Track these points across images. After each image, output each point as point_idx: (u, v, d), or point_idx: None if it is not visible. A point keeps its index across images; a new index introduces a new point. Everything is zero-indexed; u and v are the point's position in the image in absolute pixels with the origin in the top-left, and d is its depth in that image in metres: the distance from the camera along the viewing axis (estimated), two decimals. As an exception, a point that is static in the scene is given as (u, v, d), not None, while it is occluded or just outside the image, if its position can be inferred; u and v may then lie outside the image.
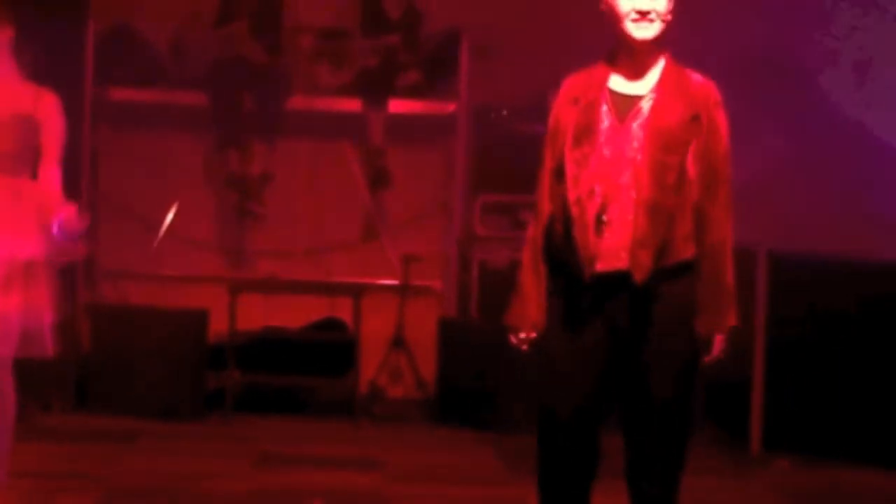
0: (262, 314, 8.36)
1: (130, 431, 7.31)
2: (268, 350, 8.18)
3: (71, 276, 7.47)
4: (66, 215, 4.88)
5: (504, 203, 8.35)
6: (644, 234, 4.07)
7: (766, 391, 7.29)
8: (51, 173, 5.08)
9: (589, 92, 4.19)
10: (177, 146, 8.72)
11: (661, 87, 4.15)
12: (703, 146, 4.14)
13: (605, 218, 4.09)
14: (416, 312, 8.46)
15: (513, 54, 8.48)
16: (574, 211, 4.10)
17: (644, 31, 4.13)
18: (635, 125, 4.13)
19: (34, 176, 5.08)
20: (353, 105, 8.57)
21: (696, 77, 4.22)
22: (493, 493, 6.42)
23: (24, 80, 5.12)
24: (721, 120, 4.18)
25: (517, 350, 4.30)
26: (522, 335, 4.26)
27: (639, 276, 4.07)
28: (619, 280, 4.09)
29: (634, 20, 4.12)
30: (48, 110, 5.08)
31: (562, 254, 4.17)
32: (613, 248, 4.09)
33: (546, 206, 4.22)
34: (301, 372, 8.14)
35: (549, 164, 4.23)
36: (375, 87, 8.51)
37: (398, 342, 8.39)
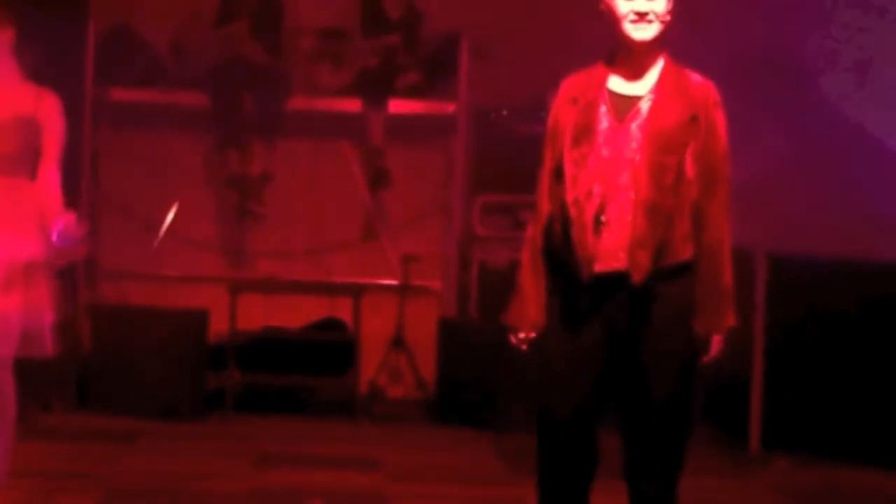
0: (262, 314, 8.37)
1: (131, 431, 7.32)
2: (268, 350, 8.19)
3: (71, 276, 7.51)
4: (64, 224, 4.90)
5: (504, 203, 8.36)
6: (642, 234, 4.07)
7: (765, 391, 7.30)
8: (50, 174, 5.09)
9: (588, 92, 4.20)
10: (177, 146, 8.73)
11: (659, 87, 4.16)
12: (702, 146, 4.14)
13: (603, 218, 4.10)
14: (415, 312, 8.47)
15: (512, 55, 8.48)
16: (572, 211, 4.11)
17: (642, 33, 4.14)
18: (634, 126, 4.13)
19: (34, 177, 5.09)
20: (353, 105, 8.58)
21: (695, 77, 4.22)
22: (492, 492, 6.43)
23: (25, 81, 5.12)
24: (720, 120, 4.19)
25: (516, 350, 4.30)
26: (522, 335, 4.27)
27: (637, 277, 4.08)
28: (617, 280, 4.10)
29: (633, 21, 4.13)
30: (49, 111, 5.09)
31: (561, 254, 4.17)
32: (612, 248, 4.09)
33: (545, 206, 4.23)
34: (301, 372, 8.15)
35: (548, 164, 4.24)
36: (375, 87, 8.52)
37: (398, 342, 8.40)
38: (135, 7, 8.67)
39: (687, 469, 4.27)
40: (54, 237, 4.93)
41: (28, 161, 5.08)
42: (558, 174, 4.18)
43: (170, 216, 8.32)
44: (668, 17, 4.16)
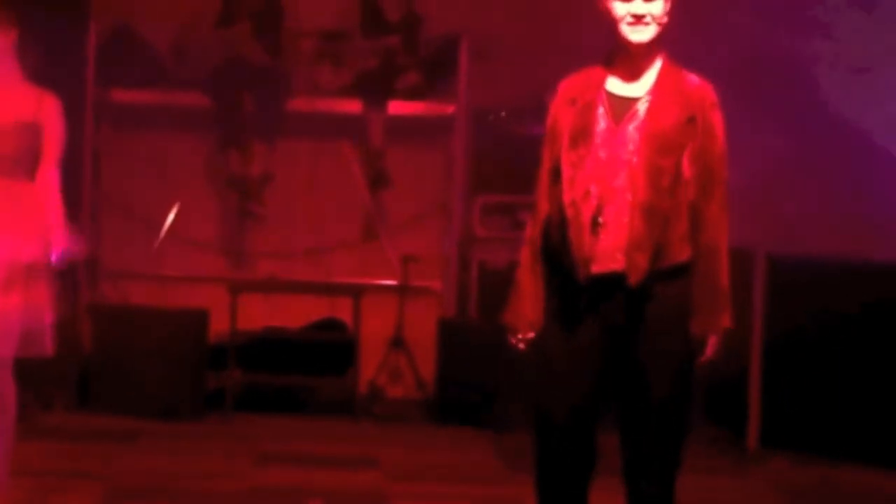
0: (262, 314, 8.38)
1: (131, 431, 7.34)
2: (268, 350, 8.21)
3: (72, 276, 7.52)
4: (64, 248, 4.97)
5: (503, 204, 8.37)
6: (639, 236, 4.08)
7: (763, 390, 7.32)
8: (50, 176, 5.11)
9: (586, 93, 4.20)
10: (178, 147, 8.75)
11: (657, 89, 4.17)
12: (699, 148, 4.15)
13: (600, 220, 4.11)
14: (415, 313, 8.48)
15: (512, 56, 8.50)
16: (569, 212, 4.12)
17: (640, 35, 4.15)
18: (631, 127, 4.14)
19: (34, 178, 5.11)
20: (353, 106, 8.60)
21: (693, 79, 4.22)
22: (492, 492, 6.43)
23: (27, 83, 5.14)
24: (717, 121, 4.19)
25: (515, 349, 4.31)
26: (520, 335, 4.28)
27: (634, 279, 4.09)
28: (614, 281, 4.11)
29: (630, 23, 4.14)
30: (49, 114, 5.11)
31: (558, 254, 4.18)
32: (609, 249, 4.10)
33: (544, 207, 4.24)
34: (301, 372, 8.16)
35: (547, 164, 4.25)
36: (375, 88, 8.54)
37: (398, 342, 8.42)
38: (135, 8, 8.69)
39: (686, 467, 4.28)
40: (54, 258, 5.00)
41: (28, 162, 5.09)
42: (556, 175, 4.19)
43: (170, 216, 8.34)
44: (665, 19, 4.16)
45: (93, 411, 7.74)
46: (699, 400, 7.05)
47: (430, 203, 8.84)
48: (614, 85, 4.21)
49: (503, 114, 8.61)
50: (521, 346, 4.29)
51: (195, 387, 7.87)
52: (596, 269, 4.11)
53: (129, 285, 8.69)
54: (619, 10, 4.14)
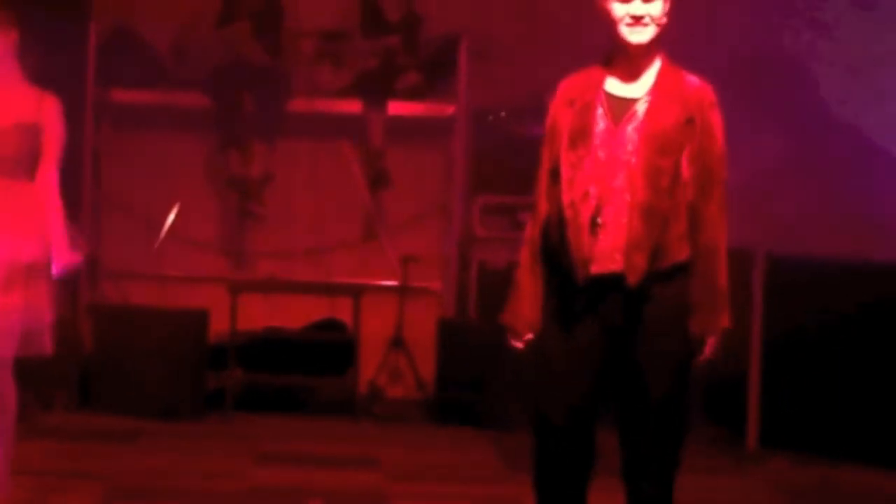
0: (262, 315, 8.39)
1: (131, 431, 7.34)
2: (268, 350, 8.22)
3: (73, 276, 7.51)
4: (68, 260, 5.00)
5: (503, 204, 8.38)
6: (638, 236, 4.08)
7: (762, 390, 7.33)
8: (50, 176, 5.11)
9: (585, 94, 4.21)
10: (178, 147, 8.76)
11: (656, 90, 4.17)
12: (698, 148, 4.15)
13: (599, 220, 4.11)
14: (415, 313, 8.49)
15: (511, 57, 8.51)
16: (568, 213, 4.12)
17: (638, 36, 4.15)
18: (630, 128, 4.14)
19: (34, 178, 5.12)
20: (353, 106, 8.61)
21: (692, 79, 4.22)
22: (492, 491, 6.43)
23: (27, 84, 5.14)
24: (716, 121, 4.19)
25: (514, 350, 4.32)
26: (519, 335, 4.29)
27: (632, 279, 4.09)
28: (613, 282, 4.11)
29: (629, 25, 4.14)
30: (49, 115, 5.11)
31: (557, 255, 4.19)
32: (608, 250, 4.10)
33: (544, 207, 4.24)
34: (301, 372, 8.17)
35: (546, 164, 4.25)
36: (375, 88, 8.55)
37: (397, 342, 8.42)
38: (135, 8, 8.70)
39: (685, 467, 4.28)
40: (56, 270, 5.02)
41: (28, 163, 5.10)
42: (555, 175, 4.20)
43: (171, 217, 8.35)
44: (664, 20, 4.16)
45: (93, 411, 7.75)
46: (698, 400, 7.09)
47: (430, 203, 8.85)
48: (613, 86, 4.21)
49: (503, 114, 8.62)
50: (520, 346, 4.29)
51: (195, 387, 7.88)
52: (595, 269, 4.11)
53: (129, 285, 8.70)
54: (618, 11, 4.14)
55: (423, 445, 7.53)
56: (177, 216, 8.36)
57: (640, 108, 4.16)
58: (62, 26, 7.86)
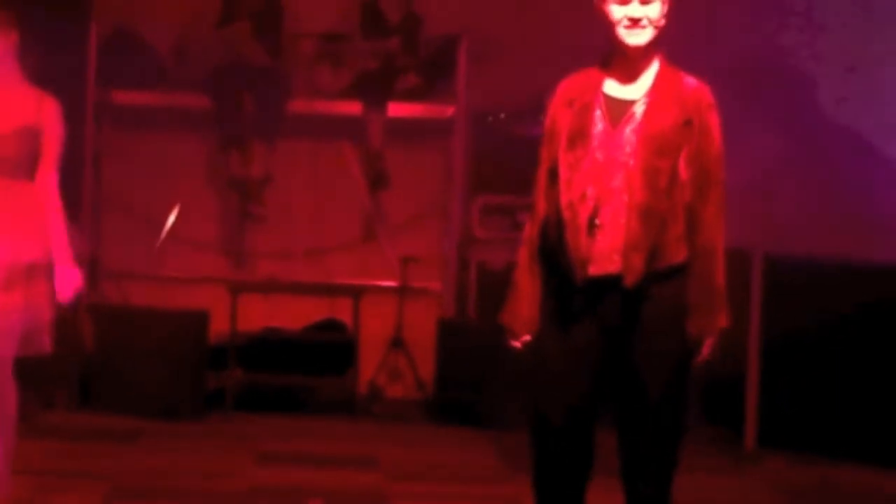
0: (262, 315, 8.40)
1: (132, 430, 7.36)
2: (268, 350, 8.23)
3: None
4: (76, 287, 5.04)
5: (502, 205, 8.39)
6: (636, 237, 4.09)
7: (761, 390, 7.34)
8: (49, 177, 5.12)
9: (584, 95, 4.21)
10: (178, 147, 8.76)
11: (654, 91, 4.18)
12: (696, 149, 4.16)
13: (597, 221, 4.11)
14: (415, 313, 8.50)
15: (511, 58, 8.52)
16: (566, 214, 4.13)
17: (636, 38, 4.16)
18: (628, 130, 4.15)
19: (34, 179, 5.13)
20: (352, 108, 8.62)
21: (690, 81, 4.23)
22: (491, 491, 6.45)
23: (28, 85, 5.15)
24: (713, 122, 4.20)
25: (513, 350, 4.33)
26: (518, 335, 4.30)
27: (630, 280, 4.10)
28: (611, 283, 4.12)
29: (627, 27, 4.15)
30: (49, 117, 5.12)
31: (555, 255, 4.20)
32: (606, 251, 4.11)
33: (542, 207, 4.25)
34: (301, 372, 8.19)
35: (545, 164, 4.26)
36: (375, 89, 8.56)
37: (397, 343, 8.44)
38: (136, 9, 8.71)
39: (683, 467, 4.29)
40: (63, 297, 5.05)
41: (28, 164, 5.10)
42: (553, 176, 4.21)
43: (171, 218, 8.37)
44: (662, 22, 4.17)
45: (93, 411, 7.76)
46: (697, 400, 7.10)
47: (430, 204, 8.86)
48: (611, 87, 4.22)
49: (502, 115, 8.63)
50: (519, 346, 4.30)
51: (195, 387, 7.90)
52: (593, 270, 4.12)
53: (129, 285, 8.71)
54: (616, 13, 4.15)
55: (423, 445, 7.54)
56: (177, 217, 8.38)
57: (638, 109, 4.17)
58: (63, 27, 7.87)
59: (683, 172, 4.16)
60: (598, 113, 4.19)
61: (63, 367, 7.42)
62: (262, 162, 8.58)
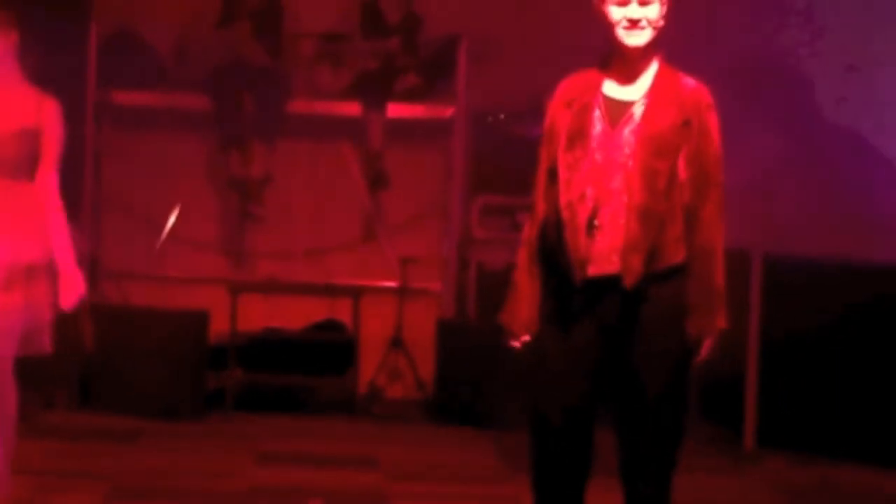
0: (262, 315, 8.41)
1: (132, 430, 7.36)
2: (268, 350, 8.24)
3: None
4: (80, 293, 5.05)
5: (502, 205, 8.40)
6: (635, 238, 4.10)
7: (760, 390, 7.35)
8: (50, 178, 5.13)
9: (583, 96, 4.22)
10: (178, 148, 8.77)
11: (653, 92, 4.19)
12: (695, 150, 4.17)
13: (596, 222, 4.12)
14: (414, 314, 8.51)
15: (510, 58, 8.53)
16: (565, 215, 4.14)
17: (635, 39, 4.17)
18: (627, 131, 4.16)
19: (34, 179, 5.13)
20: (352, 108, 8.63)
21: (689, 82, 4.24)
22: (491, 490, 6.46)
23: (28, 85, 5.15)
24: (712, 123, 4.21)
25: (512, 350, 4.33)
26: (517, 335, 4.31)
27: (629, 281, 4.11)
28: (610, 283, 4.13)
29: (626, 28, 4.16)
30: (49, 118, 5.12)
31: (555, 255, 4.21)
32: (605, 251, 4.12)
33: (542, 207, 4.26)
34: (301, 372, 8.19)
35: (544, 165, 4.27)
36: (375, 89, 8.57)
37: (397, 343, 8.45)
38: (136, 9, 8.72)
39: (682, 467, 4.30)
40: (66, 304, 5.06)
41: (28, 165, 5.10)
42: (552, 176, 4.21)
43: (172, 218, 8.38)
44: (661, 23, 4.18)
45: (94, 411, 7.77)
46: (696, 399, 7.10)
47: (429, 204, 8.87)
48: (611, 88, 4.23)
49: (502, 116, 8.64)
50: (518, 346, 4.31)
51: (195, 387, 7.90)
52: (592, 271, 4.13)
53: (129, 285, 8.71)
54: (615, 14, 4.16)
55: (423, 445, 7.55)
56: (177, 217, 8.39)
57: (637, 110, 4.18)
58: (63, 27, 7.88)
59: (682, 173, 4.17)
60: (597, 114, 4.19)
61: (63, 367, 7.43)
62: (262, 162, 8.59)
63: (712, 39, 8.04)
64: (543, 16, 8.38)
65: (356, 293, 8.19)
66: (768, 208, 7.99)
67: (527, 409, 4.32)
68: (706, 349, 4.20)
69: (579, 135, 4.18)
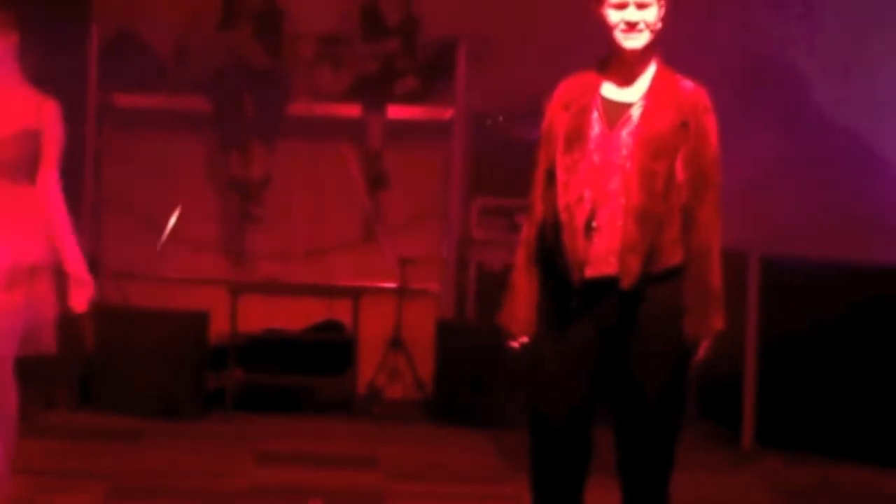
0: (262, 316, 8.42)
1: (132, 430, 7.38)
2: (268, 351, 8.25)
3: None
4: (83, 293, 5.06)
5: (501, 206, 8.41)
6: (633, 240, 4.12)
7: (758, 389, 7.36)
8: (51, 179, 5.13)
9: (581, 98, 4.24)
10: (179, 149, 8.78)
11: (650, 94, 4.21)
12: (692, 151, 4.18)
13: (594, 224, 4.14)
14: (414, 314, 8.52)
15: (509, 60, 8.53)
16: (564, 216, 4.16)
17: (633, 42, 4.19)
18: (625, 133, 4.18)
19: (34, 181, 5.15)
20: (352, 110, 8.64)
21: (687, 84, 4.26)
22: (490, 490, 6.46)
23: (28, 87, 5.15)
24: (710, 125, 4.23)
25: (511, 350, 4.35)
26: (515, 336, 4.33)
27: (627, 282, 4.13)
28: (608, 284, 4.15)
29: (624, 31, 4.18)
30: (49, 119, 5.13)
31: (553, 256, 4.23)
32: (603, 253, 4.14)
33: (540, 209, 4.28)
34: (301, 372, 8.21)
35: (542, 166, 4.29)
36: (374, 91, 8.58)
37: (396, 343, 8.46)
38: (137, 11, 8.73)
39: (680, 465, 4.32)
40: (78, 306, 5.08)
41: (28, 167, 5.11)
42: (550, 178, 4.23)
43: (173, 219, 8.39)
44: (658, 26, 4.20)
45: (94, 411, 7.78)
46: (694, 399, 7.14)
47: (429, 205, 8.87)
48: (609, 90, 4.25)
49: (501, 117, 8.65)
50: (516, 346, 4.33)
51: (196, 387, 7.92)
52: (589, 272, 4.15)
53: (130, 286, 8.72)
54: (613, 17, 4.18)
55: (423, 445, 7.55)
56: (178, 218, 8.40)
57: (635, 112, 4.20)
58: (63, 28, 7.89)
59: (680, 175, 4.18)
60: (595, 115, 4.21)
61: (63, 367, 7.43)
62: (262, 163, 8.60)
63: (713, 39, 8.05)
64: (542, 18, 8.39)
65: (356, 294, 8.20)
66: (766, 208, 8.00)
67: (526, 409, 4.34)
68: (703, 350, 4.22)
69: (577, 136, 4.19)
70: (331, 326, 8.50)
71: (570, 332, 4.20)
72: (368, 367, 8.35)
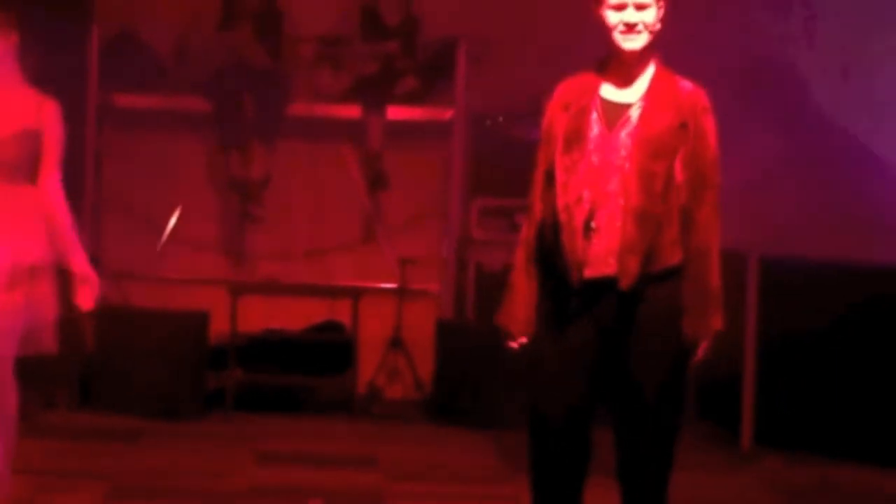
0: (262, 316, 8.42)
1: (132, 430, 7.38)
2: (268, 351, 8.26)
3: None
4: (89, 291, 5.07)
5: (500, 207, 8.41)
6: (632, 240, 4.13)
7: (757, 389, 7.37)
8: (52, 179, 5.14)
9: (580, 98, 4.25)
10: (179, 149, 8.78)
11: (649, 95, 4.22)
12: (691, 152, 4.19)
13: (593, 224, 4.15)
14: (413, 314, 8.52)
15: (509, 61, 8.54)
16: (563, 217, 4.17)
17: (632, 43, 4.20)
18: (623, 133, 4.19)
19: (35, 181, 5.15)
20: (352, 111, 8.65)
21: (685, 84, 4.27)
22: (490, 490, 6.47)
23: (28, 87, 5.16)
24: (709, 126, 4.24)
25: (510, 351, 4.36)
26: (514, 336, 4.33)
27: (625, 282, 4.14)
28: (607, 285, 4.16)
29: (622, 32, 4.19)
30: (49, 119, 5.13)
31: (552, 257, 4.24)
32: (601, 254, 4.15)
33: (539, 209, 4.29)
34: (301, 372, 8.21)
35: (542, 166, 4.30)
36: (374, 92, 8.58)
37: (396, 343, 8.47)
38: (137, 11, 8.73)
39: (680, 465, 4.32)
40: (86, 305, 5.08)
41: (28, 167, 5.11)
42: (550, 178, 4.24)
43: (173, 220, 8.39)
44: (657, 27, 4.22)
45: (94, 411, 7.79)
46: (694, 399, 7.14)
47: (428, 206, 8.88)
48: (608, 91, 4.26)
49: (500, 118, 8.66)
50: (515, 347, 4.34)
51: (196, 387, 7.93)
52: (588, 273, 4.16)
53: (130, 286, 8.73)
54: (612, 18, 4.20)
55: (423, 445, 7.56)
56: (178, 218, 8.41)
57: (634, 113, 4.21)
58: (64, 28, 7.89)
59: (679, 175, 4.19)
60: (594, 116, 4.22)
61: (64, 367, 7.44)
62: (262, 163, 8.61)
63: (710, 40, 8.05)
64: (542, 18, 8.39)
65: (356, 294, 8.20)
66: (766, 208, 8.00)
67: (525, 409, 4.35)
68: (702, 350, 4.22)
69: (576, 137, 4.20)
70: (331, 326, 8.51)
71: (570, 333, 4.21)
72: (368, 367, 8.35)
